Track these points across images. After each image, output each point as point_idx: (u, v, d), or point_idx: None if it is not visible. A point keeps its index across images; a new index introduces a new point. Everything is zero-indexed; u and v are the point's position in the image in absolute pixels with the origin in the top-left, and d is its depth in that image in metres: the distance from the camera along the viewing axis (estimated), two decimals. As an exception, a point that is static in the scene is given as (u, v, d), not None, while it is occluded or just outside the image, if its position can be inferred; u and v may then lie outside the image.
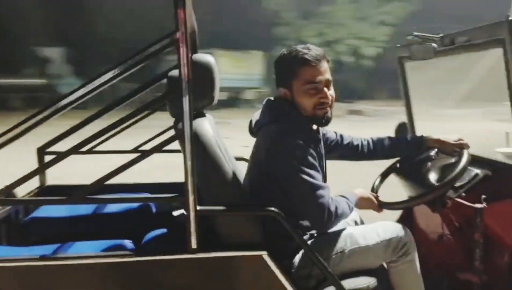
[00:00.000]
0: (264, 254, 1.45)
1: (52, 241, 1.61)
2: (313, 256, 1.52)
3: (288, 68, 1.67)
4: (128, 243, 1.61)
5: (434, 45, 2.00)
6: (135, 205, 1.94)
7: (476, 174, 1.83)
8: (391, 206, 1.83)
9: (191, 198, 1.38)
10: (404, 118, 2.34)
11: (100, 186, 1.42)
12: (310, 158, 1.57)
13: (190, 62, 1.33)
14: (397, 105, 4.75)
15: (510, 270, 1.81)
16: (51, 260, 1.40)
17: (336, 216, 1.59)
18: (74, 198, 1.47)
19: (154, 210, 1.97)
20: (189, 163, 1.37)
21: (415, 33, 2.06)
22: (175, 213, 1.75)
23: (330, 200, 1.58)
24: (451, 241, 1.93)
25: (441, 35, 2.09)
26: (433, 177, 1.83)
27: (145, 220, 1.86)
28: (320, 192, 1.56)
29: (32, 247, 1.58)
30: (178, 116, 1.58)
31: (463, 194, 1.82)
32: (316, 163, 1.59)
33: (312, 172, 1.56)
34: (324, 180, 1.72)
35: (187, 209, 1.39)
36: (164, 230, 1.69)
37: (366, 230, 1.75)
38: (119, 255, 1.45)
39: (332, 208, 1.57)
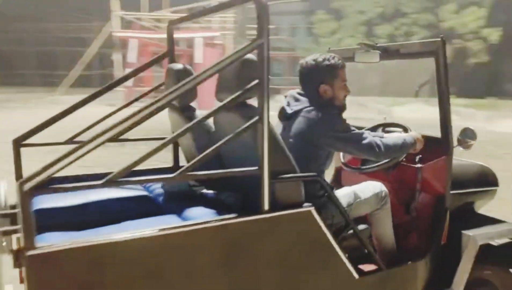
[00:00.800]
0: (312, 209, 1.95)
1: (64, 229, 1.69)
2: (341, 207, 2.14)
3: (331, 70, 2.28)
4: (175, 217, 1.90)
5: (379, 52, 2.64)
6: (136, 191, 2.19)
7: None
8: (371, 168, 2.63)
9: (266, 171, 1.76)
10: None
11: (130, 170, 1.56)
12: (350, 125, 2.27)
13: (268, 65, 1.72)
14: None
15: (436, 208, 2.51)
16: (163, 231, 1.62)
17: (387, 147, 2.24)
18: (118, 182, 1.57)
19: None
20: (265, 143, 1.74)
21: (362, 41, 2.75)
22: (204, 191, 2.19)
23: (378, 139, 2.24)
24: (392, 195, 2.55)
25: (382, 44, 2.75)
26: None
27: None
28: (364, 136, 2.21)
29: (89, 230, 1.71)
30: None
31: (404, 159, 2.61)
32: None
33: (353, 129, 2.25)
34: None
35: (262, 179, 1.77)
36: (203, 204, 1.99)
37: (362, 188, 2.42)
38: (223, 219, 1.75)
39: (379, 142, 2.22)
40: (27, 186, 1.37)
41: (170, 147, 2.61)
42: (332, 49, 2.98)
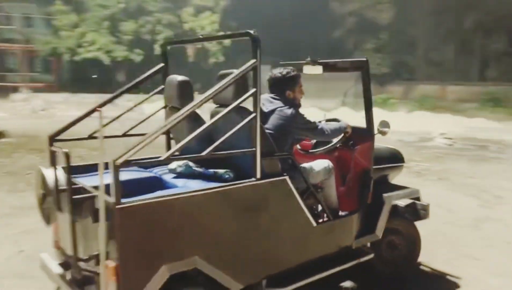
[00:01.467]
0: (287, 177, 2.80)
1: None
2: (304, 176, 3.04)
3: (293, 80, 3.16)
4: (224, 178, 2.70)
5: (320, 66, 3.46)
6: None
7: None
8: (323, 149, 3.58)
9: (258, 151, 2.58)
10: None
11: (178, 151, 2.35)
12: (307, 117, 3.12)
13: (259, 79, 2.59)
14: None
15: (364, 178, 3.48)
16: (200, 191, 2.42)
17: (332, 130, 3.27)
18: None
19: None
20: (258, 132, 2.58)
21: (308, 59, 3.48)
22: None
23: (325, 126, 3.24)
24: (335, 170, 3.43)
25: (324, 61, 3.50)
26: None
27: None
28: (318, 125, 3.18)
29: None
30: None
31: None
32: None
33: (311, 121, 3.17)
34: None
35: (255, 156, 2.59)
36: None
37: (316, 163, 3.31)
38: (241, 183, 2.60)
39: (326, 128, 3.22)
40: (118, 162, 2.04)
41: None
42: (283, 63, 3.55)
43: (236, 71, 2.53)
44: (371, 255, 3.39)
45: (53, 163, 2.58)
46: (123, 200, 2.10)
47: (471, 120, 17.77)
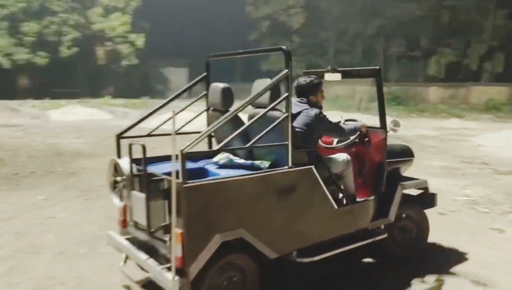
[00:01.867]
0: (313, 167, 3.31)
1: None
2: (327, 166, 3.57)
3: (316, 87, 3.70)
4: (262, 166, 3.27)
5: (339, 74, 4.01)
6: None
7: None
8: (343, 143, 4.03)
9: (290, 145, 3.12)
10: None
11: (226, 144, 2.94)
12: (328, 118, 3.64)
13: (291, 85, 3.22)
14: None
15: (379, 170, 3.97)
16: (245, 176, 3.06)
17: (349, 130, 3.83)
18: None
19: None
20: (290, 129, 3.12)
21: (329, 67, 4.09)
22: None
23: (343, 126, 3.85)
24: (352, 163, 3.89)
25: (342, 69, 4.09)
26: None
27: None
28: (338, 125, 3.79)
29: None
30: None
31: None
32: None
33: (332, 121, 3.71)
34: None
35: (288, 149, 3.12)
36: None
37: (339, 156, 3.80)
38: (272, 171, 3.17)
39: (344, 128, 3.79)
40: (185, 151, 2.66)
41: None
42: (306, 71, 4.23)
43: (270, 80, 3.15)
44: (385, 235, 3.93)
45: (119, 154, 3.34)
46: (187, 183, 2.71)
47: (376, 117, 19.01)
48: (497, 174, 8.26)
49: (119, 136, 3.42)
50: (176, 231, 2.70)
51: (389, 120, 4.03)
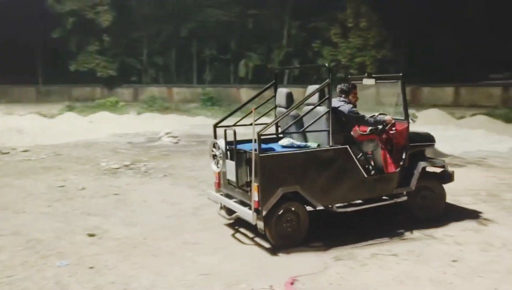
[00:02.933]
0: (347, 147, 4.85)
1: None
2: (359, 146, 5.12)
3: (351, 90, 5.21)
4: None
5: (374, 79, 5.40)
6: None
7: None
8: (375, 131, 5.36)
9: (330, 130, 4.78)
10: None
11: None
12: (359, 112, 5.12)
13: (331, 90, 4.92)
14: None
15: (403, 150, 5.26)
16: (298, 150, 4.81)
17: (375, 121, 5.19)
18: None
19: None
20: (330, 120, 4.78)
21: (366, 74, 5.49)
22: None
23: (369, 118, 5.18)
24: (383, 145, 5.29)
25: (375, 75, 5.52)
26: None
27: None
28: (366, 118, 5.13)
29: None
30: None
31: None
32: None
33: (361, 114, 5.10)
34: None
35: (329, 133, 4.77)
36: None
37: (370, 140, 5.25)
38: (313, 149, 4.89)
39: (370, 120, 5.15)
40: (260, 133, 4.39)
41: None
42: (351, 77, 6.28)
43: (318, 86, 4.89)
44: (405, 198, 5.28)
45: (215, 136, 5.21)
46: (262, 153, 4.44)
47: (194, 118, 19.60)
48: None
49: (215, 125, 5.36)
50: (254, 184, 4.45)
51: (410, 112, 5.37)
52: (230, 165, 4.88)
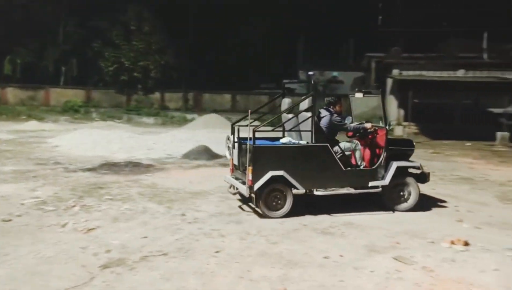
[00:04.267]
0: (328, 145, 6.15)
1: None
2: (339, 145, 6.48)
3: (336, 102, 6.68)
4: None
5: (362, 93, 6.79)
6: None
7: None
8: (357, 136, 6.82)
9: (313, 132, 6.13)
10: None
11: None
12: (341, 120, 6.63)
13: (315, 101, 6.34)
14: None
15: (382, 151, 6.43)
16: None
17: (353, 128, 6.62)
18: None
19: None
20: (313, 124, 6.17)
21: (356, 89, 6.99)
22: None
23: (350, 125, 6.64)
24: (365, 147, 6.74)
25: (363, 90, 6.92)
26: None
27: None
28: (346, 124, 6.60)
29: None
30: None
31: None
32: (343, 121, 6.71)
33: (342, 122, 6.59)
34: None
35: (312, 135, 6.13)
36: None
37: (351, 141, 6.64)
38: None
39: (351, 126, 6.62)
40: (254, 129, 5.89)
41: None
42: (353, 92, 6.97)
43: (304, 97, 6.44)
44: (379, 189, 6.29)
45: (233, 133, 6.53)
46: (255, 145, 5.89)
47: None
48: (67, 172, 8.77)
49: (233, 124, 6.66)
50: (249, 167, 5.81)
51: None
52: (235, 153, 6.43)
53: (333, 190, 6.18)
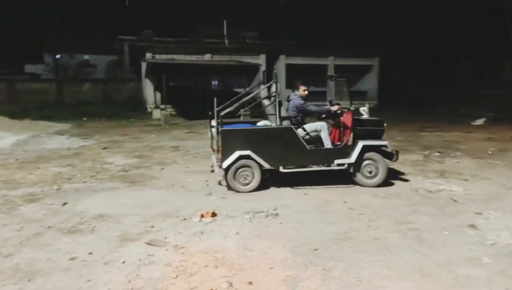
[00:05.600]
0: (292, 127, 6.76)
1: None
2: (303, 127, 7.00)
3: (297, 86, 7.19)
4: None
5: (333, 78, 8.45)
6: None
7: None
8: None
9: (277, 115, 6.78)
10: None
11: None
12: (304, 103, 7.10)
13: (277, 88, 7.02)
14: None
15: (349, 130, 6.84)
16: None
17: (316, 110, 7.22)
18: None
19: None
20: (277, 108, 6.89)
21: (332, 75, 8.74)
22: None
23: (313, 108, 7.18)
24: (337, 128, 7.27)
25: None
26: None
27: None
28: (309, 106, 7.09)
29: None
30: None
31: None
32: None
33: (306, 104, 7.06)
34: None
35: (276, 117, 6.80)
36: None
37: (316, 123, 7.07)
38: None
39: (313, 109, 7.17)
40: (221, 115, 6.59)
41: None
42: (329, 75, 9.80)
43: (268, 84, 7.10)
44: (344, 167, 6.82)
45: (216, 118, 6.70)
46: (222, 128, 6.61)
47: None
48: None
49: (219, 111, 6.68)
50: (219, 148, 6.66)
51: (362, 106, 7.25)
52: (213, 136, 7.09)
53: (299, 167, 6.80)
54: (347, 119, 6.89)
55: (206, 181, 7.31)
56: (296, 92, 7.13)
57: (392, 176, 7.38)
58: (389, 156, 6.96)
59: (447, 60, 28.47)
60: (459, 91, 24.62)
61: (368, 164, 6.84)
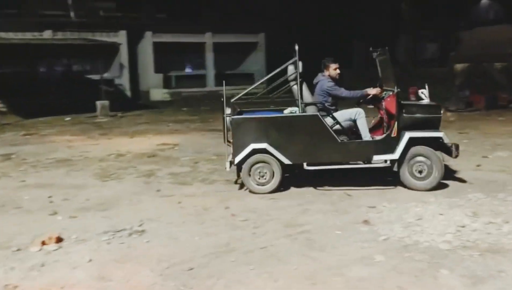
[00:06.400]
0: (318, 114, 6.81)
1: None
2: (331, 115, 6.96)
3: (328, 64, 7.19)
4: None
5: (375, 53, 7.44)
6: None
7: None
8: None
9: (299, 101, 6.89)
10: None
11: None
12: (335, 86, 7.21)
13: (298, 66, 6.99)
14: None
15: (391, 119, 6.74)
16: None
17: (350, 94, 7.11)
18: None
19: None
20: (298, 91, 7.09)
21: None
22: None
23: (345, 92, 7.08)
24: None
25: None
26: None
27: None
28: (342, 90, 7.07)
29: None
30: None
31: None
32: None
33: (338, 88, 7.11)
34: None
35: (299, 103, 7.08)
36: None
37: (348, 110, 7.00)
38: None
39: (346, 93, 7.06)
40: (232, 101, 7.12)
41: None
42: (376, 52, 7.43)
43: (289, 62, 7.01)
44: (385, 164, 6.60)
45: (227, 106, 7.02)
46: (233, 117, 6.87)
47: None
48: None
49: (231, 100, 7.02)
50: (230, 140, 6.89)
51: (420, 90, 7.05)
52: (228, 127, 7.09)
53: (326, 164, 6.76)
54: (390, 104, 6.56)
55: (50, 197, 6.91)
56: (325, 72, 7.04)
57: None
58: (447, 151, 6.60)
59: (342, 42, 30.76)
60: (352, 72, 26.81)
61: (417, 162, 6.41)
